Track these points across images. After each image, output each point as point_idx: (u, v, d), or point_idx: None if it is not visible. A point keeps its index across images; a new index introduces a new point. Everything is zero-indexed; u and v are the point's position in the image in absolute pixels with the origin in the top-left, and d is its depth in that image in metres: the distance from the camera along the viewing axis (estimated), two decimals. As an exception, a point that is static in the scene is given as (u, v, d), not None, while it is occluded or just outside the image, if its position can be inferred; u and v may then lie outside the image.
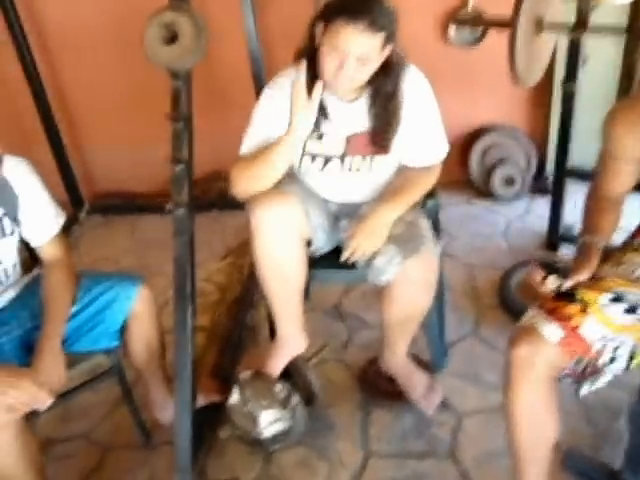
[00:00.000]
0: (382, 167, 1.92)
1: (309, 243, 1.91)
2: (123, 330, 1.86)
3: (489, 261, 2.91)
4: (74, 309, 1.78)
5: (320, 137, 1.85)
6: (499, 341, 2.38)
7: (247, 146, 1.84)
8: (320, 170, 1.91)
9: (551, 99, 3.33)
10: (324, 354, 2.17)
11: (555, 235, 2.92)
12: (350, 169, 1.90)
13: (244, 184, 1.80)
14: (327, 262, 1.98)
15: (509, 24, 2.25)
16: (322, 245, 1.97)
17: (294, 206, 1.79)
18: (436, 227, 1.97)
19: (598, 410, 2.04)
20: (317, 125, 1.81)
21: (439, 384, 2.10)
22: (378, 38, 1.62)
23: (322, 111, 1.79)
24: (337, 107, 1.81)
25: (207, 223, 3.42)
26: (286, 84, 1.78)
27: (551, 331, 1.41)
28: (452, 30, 3.26)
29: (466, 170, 3.54)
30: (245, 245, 3.21)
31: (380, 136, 1.83)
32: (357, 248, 1.80)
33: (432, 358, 2.24)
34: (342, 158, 1.88)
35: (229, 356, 2.36)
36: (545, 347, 1.42)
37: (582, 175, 2.82)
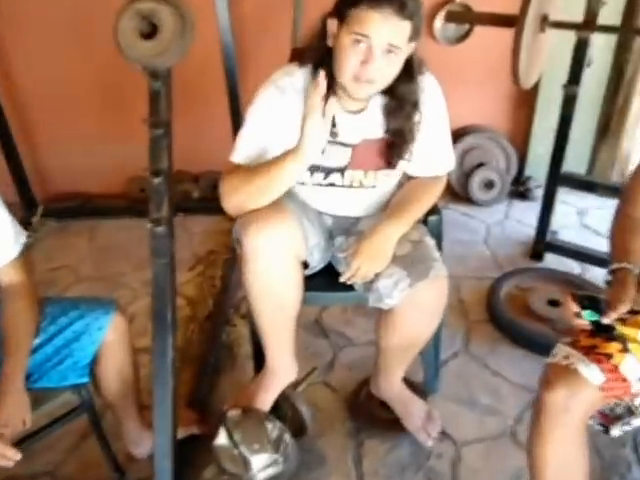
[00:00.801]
0: (386, 182, 1.76)
1: (305, 264, 1.73)
2: (94, 362, 1.66)
3: (473, 271, 2.79)
4: (37, 341, 1.58)
5: (323, 150, 1.66)
6: (491, 359, 2.29)
7: (241, 154, 1.64)
8: (319, 184, 1.74)
9: (535, 101, 3.23)
10: (312, 378, 2.01)
11: (541, 243, 2.82)
12: (351, 184, 1.74)
13: (239, 201, 1.60)
14: (320, 282, 1.81)
15: (511, 21, 2.13)
16: (316, 264, 1.80)
17: (292, 226, 1.62)
18: (439, 245, 1.81)
19: (602, 438, 1.94)
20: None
21: (434, 409, 1.97)
22: (407, 26, 1.46)
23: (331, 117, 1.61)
24: (343, 118, 1.64)
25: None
26: (287, 86, 1.61)
27: (591, 374, 1.28)
28: (438, 25, 3.13)
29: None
30: (214, 253, 3.03)
31: (392, 151, 1.68)
32: (359, 270, 1.64)
33: (425, 381, 2.10)
34: (342, 172, 1.71)
35: (206, 380, 2.17)
36: (584, 391, 1.29)
37: (569, 181, 2.74)
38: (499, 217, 3.25)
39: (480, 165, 3.33)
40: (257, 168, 1.58)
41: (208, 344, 2.36)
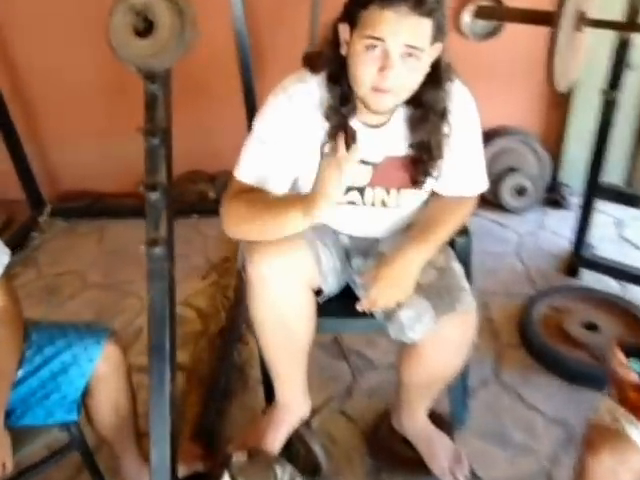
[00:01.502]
0: (410, 202, 1.58)
1: (318, 291, 1.56)
2: (85, 394, 1.50)
3: (504, 287, 2.60)
4: (21, 373, 1.42)
5: None
6: (524, 389, 2.09)
7: (247, 172, 1.46)
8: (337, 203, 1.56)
9: (570, 101, 3.02)
10: (328, 410, 1.84)
11: (577, 259, 2.62)
12: (372, 203, 1.55)
13: (241, 232, 1.44)
14: (336, 307, 1.64)
15: (546, 18, 1.93)
16: (332, 289, 1.62)
17: (303, 251, 1.45)
18: (467, 271, 1.63)
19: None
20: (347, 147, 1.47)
21: (462, 446, 1.79)
22: (427, 24, 1.27)
23: (352, 132, 1.43)
24: (364, 133, 1.44)
25: (185, 232, 3.06)
26: (298, 94, 1.43)
27: (641, 436, 1.10)
28: (466, 19, 2.93)
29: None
30: (229, 261, 2.87)
31: (418, 168, 1.48)
32: (377, 299, 1.46)
33: (452, 413, 1.91)
34: (362, 191, 1.53)
35: (214, 406, 2.00)
36: (634, 457, 1.13)
37: (608, 193, 2.53)
38: (532, 227, 3.04)
39: (511, 170, 3.13)
40: (263, 203, 1.40)
41: (218, 364, 2.19)
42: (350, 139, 1.38)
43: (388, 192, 1.53)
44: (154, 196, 1.43)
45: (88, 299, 2.69)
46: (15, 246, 3.03)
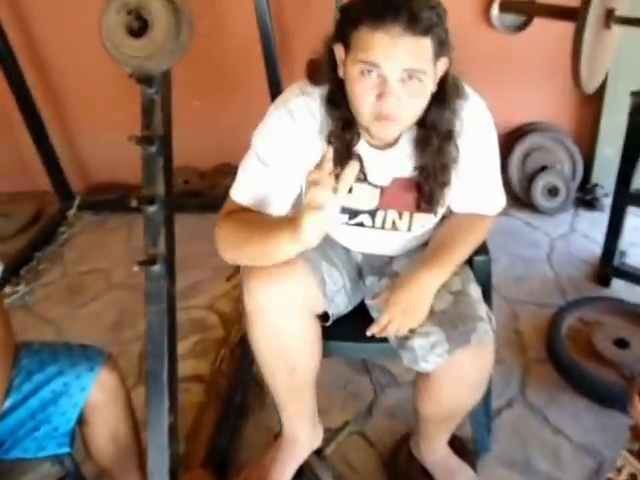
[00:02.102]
0: (422, 226, 1.51)
1: (323, 315, 1.51)
2: (80, 423, 1.45)
3: (533, 296, 2.52)
4: (9, 402, 1.34)
5: (349, 190, 1.43)
6: (550, 411, 2.02)
7: (243, 193, 1.40)
8: (344, 224, 1.50)
9: (603, 99, 2.89)
10: (345, 434, 1.81)
11: (608, 267, 2.53)
12: (383, 226, 1.49)
13: (235, 257, 1.38)
14: (347, 329, 1.58)
15: (572, 14, 1.83)
16: (341, 310, 1.57)
17: (305, 277, 1.40)
18: (486, 293, 1.55)
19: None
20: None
21: (485, 475, 1.76)
22: (425, 43, 1.17)
23: (358, 159, 1.36)
24: (370, 155, 1.38)
25: (212, 229, 3.03)
26: (301, 109, 1.35)
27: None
28: (495, 11, 2.80)
29: (504, 175, 3.11)
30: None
31: (428, 193, 1.40)
32: (389, 325, 1.40)
33: (474, 439, 1.86)
34: (373, 213, 1.46)
35: (229, 426, 1.97)
36: None
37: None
38: (564, 229, 2.94)
39: (543, 168, 3.03)
40: (252, 227, 1.32)
41: (237, 377, 2.17)
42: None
43: (400, 215, 1.47)
44: (152, 209, 1.36)
45: (112, 300, 2.69)
46: (43, 241, 3.06)
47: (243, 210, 1.40)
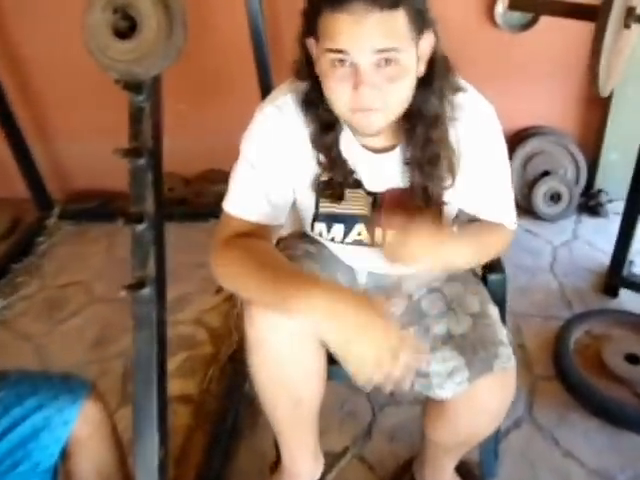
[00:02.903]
0: None
1: None
2: (64, 458, 1.33)
3: (538, 308, 2.40)
4: None
5: (340, 197, 1.28)
6: (560, 432, 1.90)
7: (238, 202, 1.25)
8: (340, 241, 1.36)
9: (609, 101, 2.79)
10: (347, 460, 1.69)
11: (617, 278, 2.41)
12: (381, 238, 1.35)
13: (234, 289, 1.21)
14: None
15: (590, 13, 1.72)
16: None
17: None
18: (502, 312, 1.41)
19: None
20: (343, 181, 1.26)
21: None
22: (397, 17, 1.01)
23: (343, 165, 1.25)
24: (364, 159, 1.25)
25: (200, 238, 2.88)
26: (289, 107, 1.22)
27: None
28: (499, 9, 2.69)
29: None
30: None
31: (421, 192, 1.25)
32: (402, 252, 1.14)
33: (481, 464, 1.74)
34: (368, 222, 1.32)
35: (220, 450, 1.83)
36: None
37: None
38: (567, 237, 2.83)
39: (545, 174, 2.92)
40: (261, 263, 1.15)
41: (227, 397, 2.03)
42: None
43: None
44: (140, 228, 1.26)
45: (93, 315, 2.54)
46: (20, 252, 2.91)
47: (242, 232, 1.24)
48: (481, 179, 1.28)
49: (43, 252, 2.98)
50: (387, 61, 1.04)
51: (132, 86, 1.20)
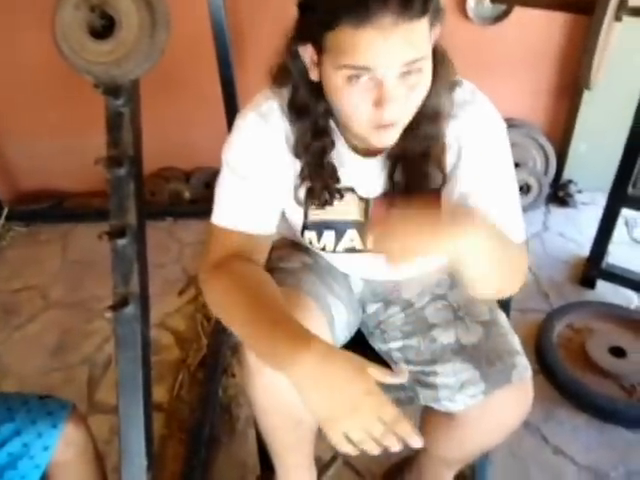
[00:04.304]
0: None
1: None
2: None
3: (514, 301, 2.32)
4: None
5: (328, 204, 1.17)
6: (548, 429, 1.86)
7: (226, 214, 1.13)
8: (332, 250, 1.25)
9: (579, 94, 2.77)
10: (334, 469, 1.60)
11: (595, 270, 2.38)
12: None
13: (221, 316, 1.06)
14: None
15: (581, 5, 1.68)
16: (340, 343, 1.30)
17: (312, 320, 1.12)
18: (508, 317, 1.32)
19: None
20: (326, 188, 1.15)
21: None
22: (423, 23, 0.90)
23: (332, 172, 1.14)
24: (355, 163, 1.14)
25: (158, 237, 2.79)
26: (273, 114, 1.11)
27: None
28: (471, 3, 2.65)
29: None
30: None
31: (404, 182, 1.12)
32: (393, 246, 0.91)
33: (473, 467, 1.64)
34: (360, 228, 1.21)
35: (199, 460, 1.72)
36: None
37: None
38: (537, 228, 2.80)
39: (515, 165, 2.88)
40: (254, 302, 1.02)
41: (201, 404, 1.91)
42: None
43: None
44: (122, 242, 1.17)
45: (50, 320, 2.41)
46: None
47: (237, 257, 1.12)
48: (482, 183, 1.12)
49: (-7, 255, 2.81)
50: (409, 71, 0.93)
51: (110, 90, 1.12)
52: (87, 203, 3.10)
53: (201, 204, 2.97)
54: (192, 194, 3.06)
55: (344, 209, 1.19)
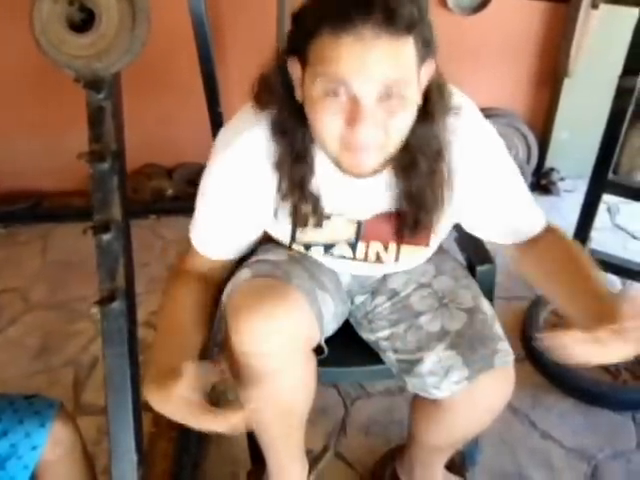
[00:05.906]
0: (411, 259, 1.26)
1: (318, 348, 1.23)
2: None
3: (499, 289, 2.29)
4: None
5: (318, 224, 1.17)
6: (536, 414, 1.88)
7: (198, 237, 1.21)
8: (322, 256, 1.25)
9: (560, 82, 2.79)
10: (326, 461, 1.60)
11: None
12: (365, 259, 1.23)
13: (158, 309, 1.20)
14: (337, 354, 1.28)
15: None
16: (329, 334, 1.31)
17: (301, 313, 1.10)
18: (491, 304, 1.33)
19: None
20: (314, 211, 1.14)
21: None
22: (408, 44, 0.89)
23: (315, 199, 1.13)
24: (345, 185, 1.11)
25: (141, 235, 2.75)
26: (245, 148, 1.08)
27: None
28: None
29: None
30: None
31: (412, 222, 1.14)
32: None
33: (463, 454, 1.66)
34: (353, 245, 1.21)
35: (189, 458, 1.71)
36: None
37: (619, 189, 2.27)
38: (519, 217, 2.81)
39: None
40: (170, 322, 1.17)
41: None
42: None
43: (386, 248, 1.21)
44: (107, 237, 1.16)
45: (32, 322, 2.37)
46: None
47: (198, 274, 1.22)
48: (497, 189, 1.17)
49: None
50: (390, 95, 0.91)
51: (91, 84, 1.11)
52: (66, 203, 3.07)
53: (184, 201, 2.95)
54: (175, 191, 3.05)
55: (332, 231, 1.19)
